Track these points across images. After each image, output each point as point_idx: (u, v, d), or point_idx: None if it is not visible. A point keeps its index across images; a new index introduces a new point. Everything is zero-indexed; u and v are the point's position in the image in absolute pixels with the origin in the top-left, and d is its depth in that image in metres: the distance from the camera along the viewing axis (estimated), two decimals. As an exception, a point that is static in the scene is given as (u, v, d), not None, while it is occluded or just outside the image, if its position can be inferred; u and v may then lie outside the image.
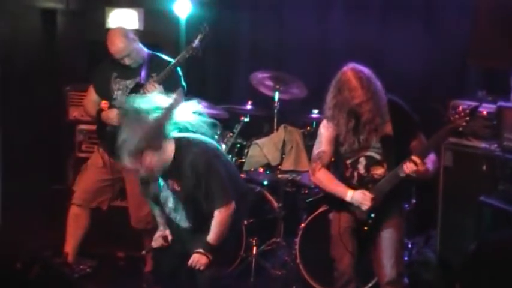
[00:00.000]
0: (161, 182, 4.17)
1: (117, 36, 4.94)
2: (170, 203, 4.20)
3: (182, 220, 4.20)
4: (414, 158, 3.82)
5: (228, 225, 4.10)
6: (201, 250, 4.06)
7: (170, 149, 4.04)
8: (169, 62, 5.01)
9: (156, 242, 4.30)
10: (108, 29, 5.37)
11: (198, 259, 4.06)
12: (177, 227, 4.25)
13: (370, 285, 4.70)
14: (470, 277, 2.32)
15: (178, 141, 4.08)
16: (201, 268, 4.05)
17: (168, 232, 4.28)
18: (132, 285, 5.12)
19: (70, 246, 5.06)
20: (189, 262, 4.06)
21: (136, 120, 3.95)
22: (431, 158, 3.97)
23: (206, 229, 4.10)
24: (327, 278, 4.51)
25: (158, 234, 4.31)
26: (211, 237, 4.08)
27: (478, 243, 2.25)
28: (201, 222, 4.13)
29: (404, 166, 3.84)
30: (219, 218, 4.07)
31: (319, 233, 4.74)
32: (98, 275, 5.27)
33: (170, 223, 4.29)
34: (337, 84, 3.93)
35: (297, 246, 5.02)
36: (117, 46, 4.90)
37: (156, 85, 4.85)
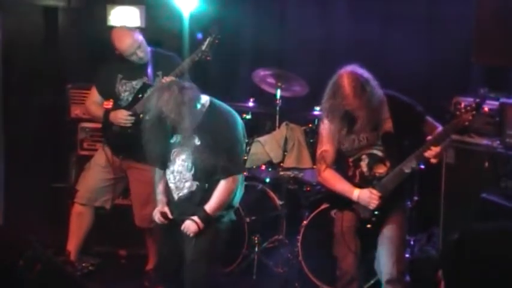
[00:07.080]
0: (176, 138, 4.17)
1: (123, 33, 4.91)
2: (179, 160, 4.14)
3: (187, 181, 4.14)
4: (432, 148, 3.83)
5: (229, 198, 4.12)
6: (194, 218, 4.06)
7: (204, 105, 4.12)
8: (173, 56, 5.00)
9: (156, 216, 4.22)
10: (110, 27, 5.36)
11: (188, 225, 4.07)
12: (176, 204, 4.19)
13: (371, 282, 4.69)
14: (451, 266, 2.34)
15: (213, 102, 4.18)
16: (190, 235, 4.05)
17: (167, 209, 4.22)
18: (135, 284, 5.13)
19: (73, 245, 5.07)
20: (181, 227, 4.08)
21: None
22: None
23: (207, 199, 4.10)
24: (329, 275, 4.52)
25: (157, 209, 4.24)
26: (209, 205, 4.08)
27: (461, 232, 2.26)
28: (206, 188, 4.11)
29: (426, 154, 3.84)
30: (223, 186, 4.08)
31: (321, 230, 4.75)
32: (100, 273, 5.28)
33: (171, 200, 4.23)
34: (332, 88, 3.89)
35: (299, 244, 5.03)
36: (126, 42, 4.85)
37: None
